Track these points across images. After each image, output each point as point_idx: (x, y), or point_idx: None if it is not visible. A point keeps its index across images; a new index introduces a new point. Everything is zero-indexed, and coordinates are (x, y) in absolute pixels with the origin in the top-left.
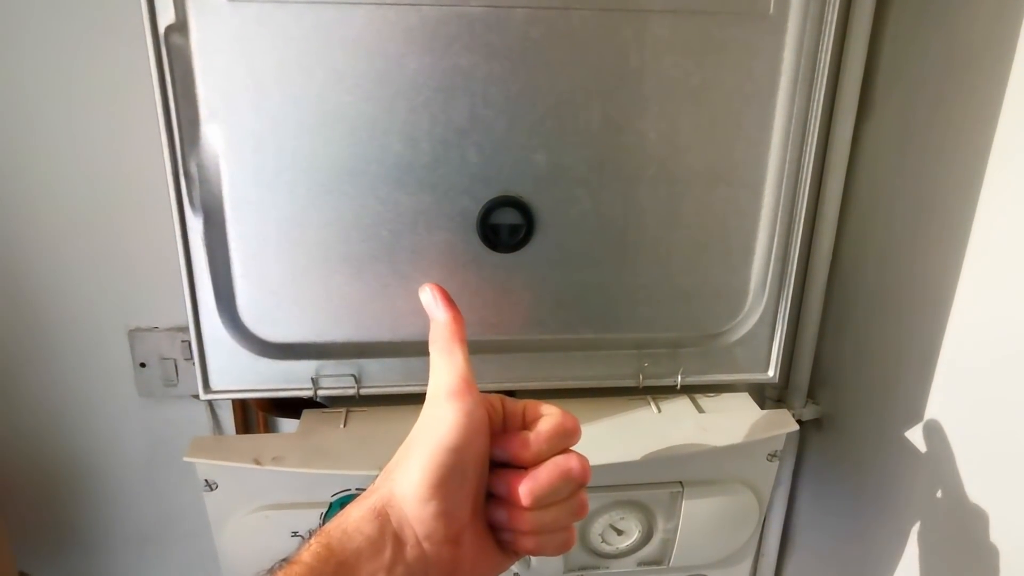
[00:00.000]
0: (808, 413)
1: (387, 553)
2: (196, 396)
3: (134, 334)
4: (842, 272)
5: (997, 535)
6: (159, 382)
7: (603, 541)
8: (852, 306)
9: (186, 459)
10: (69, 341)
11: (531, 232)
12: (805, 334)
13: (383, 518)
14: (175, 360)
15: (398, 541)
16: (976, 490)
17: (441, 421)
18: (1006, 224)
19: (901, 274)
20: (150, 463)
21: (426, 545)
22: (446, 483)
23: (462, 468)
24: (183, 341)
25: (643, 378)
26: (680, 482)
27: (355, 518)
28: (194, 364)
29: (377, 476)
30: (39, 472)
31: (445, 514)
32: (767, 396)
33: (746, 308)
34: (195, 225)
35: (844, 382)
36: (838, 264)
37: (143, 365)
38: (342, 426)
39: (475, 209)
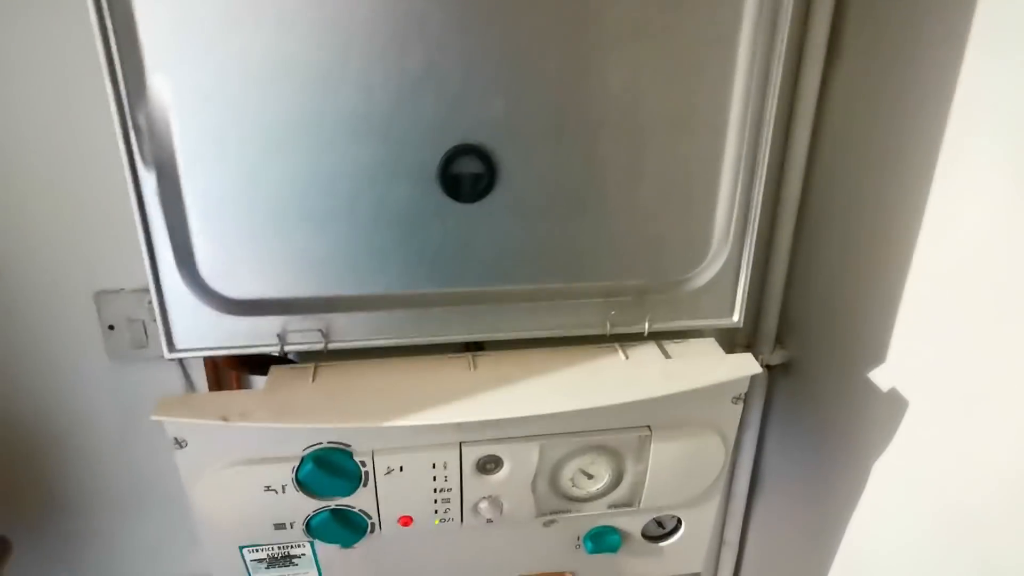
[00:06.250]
0: (776, 358)
1: None
2: (166, 358)
3: (100, 296)
4: (810, 219)
5: (952, 471)
6: (128, 344)
7: (574, 485)
8: (820, 252)
9: (153, 417)
10: (35, 305)
11: (493, 182)
12: (773, 281)
13: None
14: (143, 321)
15: None
16: (933, 428)
17: None
18: (969, 173)
19: (867, 220)
20: (124, 426)
21: None
22: None
23: None
24: (150, 302)
25: (610, 326)
26: (648, 426)
27: None
28: (158, 323)
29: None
30: (14, 436)
31: None
32: (736, 343)
33: (710, 254)
34: (148, 181)
35: (811, 327)
36: (806, 211)
37: (111, 328)
38: (311, 381)
39: (436, 160)
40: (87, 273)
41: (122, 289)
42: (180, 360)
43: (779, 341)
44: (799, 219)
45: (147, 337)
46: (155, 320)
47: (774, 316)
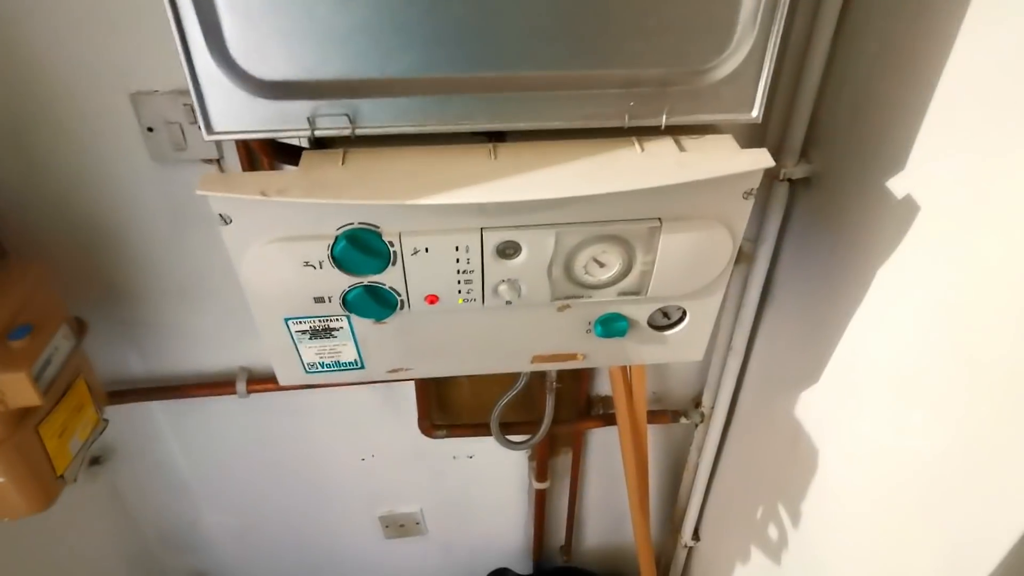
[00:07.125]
0: (799, 172)
1: None
2: (206, 160)
3: (136, 98)
4: (851, 27)
5: (953, 276)
6: (168, 146)
7: (586, 273)
8: (856, 62)
9: (198, 192)
10: (74, 107)
11: None
12: (804, 90)
13: None
14: (180, 124)
15: None
16: (942, 236)
17: None
18: None
19: (907, 27)
20: (171, 224)
21: None
22: None
23: None
24: (185, 104)
25: (629, 119)
26: (659, 218)
27: None
28: (194, 106)
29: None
30: (73, 233)
31: None
32: None
33: (734, 42)
34: None
35: (837, 140)
36: (848, 19)
37: (151, 130)
38: (340, 164)
39: None
40: (121, 74)
41: (156, 91)
42: (218, 162)
43: (804, 155)
44: (840, 26)
45: (185, 140)
46: (192, 123)
47: (801, 128)
